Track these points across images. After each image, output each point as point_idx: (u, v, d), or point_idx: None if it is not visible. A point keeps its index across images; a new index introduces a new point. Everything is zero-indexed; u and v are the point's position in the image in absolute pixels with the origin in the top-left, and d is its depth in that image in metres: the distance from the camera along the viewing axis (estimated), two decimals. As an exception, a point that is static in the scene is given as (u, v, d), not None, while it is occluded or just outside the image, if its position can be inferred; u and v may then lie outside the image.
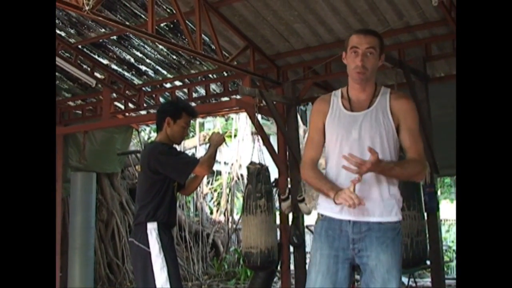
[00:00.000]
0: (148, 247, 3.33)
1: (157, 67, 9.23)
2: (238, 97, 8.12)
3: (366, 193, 2.55)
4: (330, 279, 2.58)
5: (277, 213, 8.27)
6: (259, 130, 7.55)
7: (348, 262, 2.60)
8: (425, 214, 6.43)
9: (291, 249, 8.08)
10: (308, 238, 13.34)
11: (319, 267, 2.60)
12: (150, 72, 9.46)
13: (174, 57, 8.88)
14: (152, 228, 3.37)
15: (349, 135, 2.67)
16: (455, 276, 13.51)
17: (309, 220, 10.02)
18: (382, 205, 2.59)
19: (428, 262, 7.12)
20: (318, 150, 2.83)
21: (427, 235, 6.41)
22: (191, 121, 3.81)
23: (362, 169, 2.41)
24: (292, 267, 8.22)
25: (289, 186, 7.72)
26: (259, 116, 7.80)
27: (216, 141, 3.67)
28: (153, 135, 15.94)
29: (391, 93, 2.77)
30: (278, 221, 8.19)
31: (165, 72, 9.39)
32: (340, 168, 2.55)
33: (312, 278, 2.61)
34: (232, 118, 14.74)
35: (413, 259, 6.20)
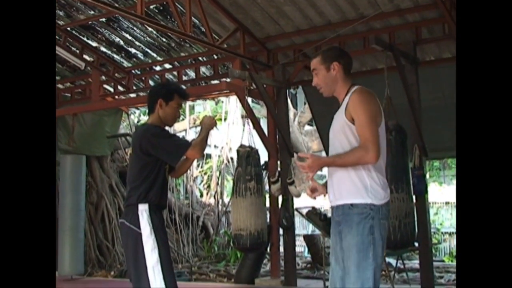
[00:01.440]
0: (139, 228, 3.34)
1: (147, 49, 9.19)
2: (228, 80, 8.10)
3: (335, 182, 2.99)
4: (335, 254, 3.04)
5: (267, 195, 8.31)
6: (249, 113, 7.55)
7: (340, 238, 3.00)
8: (414, 197, 6.49)
9: (281, 231, 8.14)
10: (298, 220, 13.45)
11: (331, 244, 3.11)
12: (140, 55, 9.41)
13: (164, 39, 8.83)
14: (143, 210, 3.37)
15: (329, 135, 3.14)
16: (442, 258, 13.68)
17: (299, 202, 10.08)
18: (349, 190, 2.93)
19: (416, 244, 7.20)
20: None
21: (415, 218, 6.47)
22: (183, 103, 3.74)
23: (305, 169, 2.87)
24: (281, 249, 8.27)
25: (279, 169, 7.76)
26: (249, 99, 7.81)
27: (207, 125, 3.65)
28: (143, 118, 15.90)
29: (353, 91, 3.05)
30: (268, 204, 8.23)
31: (154, 55, 9.34)
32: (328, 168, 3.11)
33: (330, 252, 3.14)
34: (222, 101, 14.74)
35: (401, 241, 6.26)
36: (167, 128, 3.70)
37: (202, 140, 3.53)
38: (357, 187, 2.91)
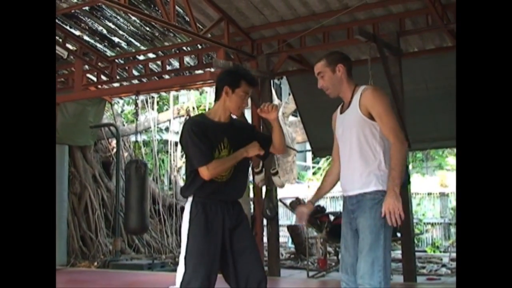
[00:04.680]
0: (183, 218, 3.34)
1: (130, 38, 9.12)
2: (212, 70, 8.07)
3: (349, 173, 3.24)
4: (345, 242, 3.30)
5: (251, 186, 8.32)
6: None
7: (354, 229, 3.23)
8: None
9: (264, 221, 8.16)
10: (281, 211, 13.48)
11: (342, 233, 3.32)
12: (123, 44, 9.34)
13: (148, 28, 8.77)
14: (188, 201, 3.29)
15: (338, 132, 3.36)
16: (425, 249, 13.82)
17: (283, 193, 10.11)
18: (362, 181, 3.18)
19: (398, 235, 7.26)
20: (338, 151, 3.43)
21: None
22: (250, 91, 3.43)
23: (396, 214, 3.00)
24: (265, 239, 8.30)
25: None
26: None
27: (249, 151, 3.32)
28: (127, 107, 15.83)
29: (364, 89, 3.25)
30: (251, 194, 8.25)
31: (138, 44, 9.28)
32: (342, 160, 3.34)
33: (341, 242, 3.35)
34: (207, 92, 14.68)
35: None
36: (234, 116, 3.46)
37: (224, 165, 3.26)
38: (369, 178, 3.15)
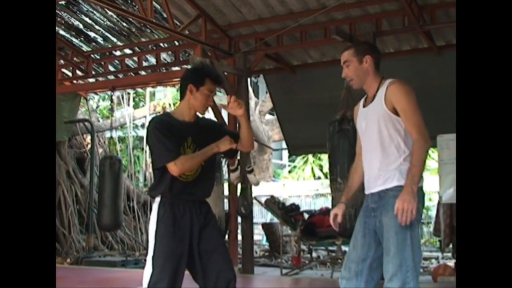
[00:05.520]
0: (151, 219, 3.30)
1: (107, 34, 9.05)
2: (189, 67, 8.05)
3: (372, 170, 3.13)
4: (354, 240, 3.18)
5: (226, 183, 8.32)
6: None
7: (372, 229, 3.12)
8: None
9: (239, 219, 8.17)
10: (256, 209, 13.50)
11: (354, 230, 3.21)
12: (99, 39, 9.26)
13: (124, 24, 8.71)
14: (155, 202, 3.22)
15: (361, 126, 3.25)
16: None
17: (258, 191, 10.12)
18: (384, 177, 3.08)
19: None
20: (360, 144, 3.33)
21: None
22: (215, 89, 3.35)
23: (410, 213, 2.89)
24: (239, 237, 8.31)
25: (238, 157, 7.76)
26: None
27: (220, 146, 3.24)
28: (102, 103, 15.69)
29: (390, 82, 3.16)
30: (226, 192, 8.24)
31: (114, 40, 9.20)
32: (364, 155, 3.24)
33: (351, 239, 3.24)
34: (183, 89, 14.62)
35: (357, 229, 6.36)
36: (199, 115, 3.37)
37: (193, 160, 3.19)
38: (391, 173, 3.05)
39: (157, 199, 3.24)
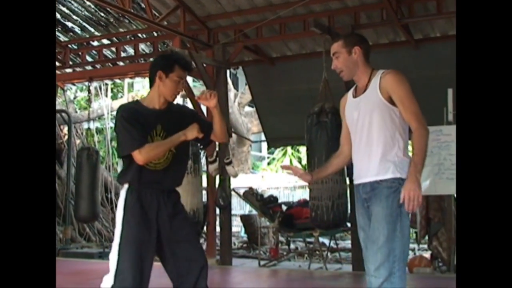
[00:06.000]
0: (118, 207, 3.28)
1: (84, 24, 8.95)
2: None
3: (363, 159, 3.12)
4: (363, 230, 3.17)
5: (204, 175, 8.32)
6: (188, 92, 7.50)
7: (369, 218, 3.14)
8: (347, 179, 6.64)
9: (218, 211, 8.18)
10: (235, 200, 13.52)
11: (359, 224, 3.21)
12: (77, 29, 9.16)
13: (102, 14, 8.63)
14: (122, 190, 3.21)
15: (353, 116, 3.21)
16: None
17: (236, 183, 10.14)
18: (379, 167, 3.05)
19: (348, 224, 7.39)
20: (347, 136, 3.33)
21: (349, 199, 6.63)
22: (185, 76, 3.31)
23: (415, 203, 2.91)
24: (218, 228, 8.32)
25: (217, 149, 7.76)
26: (189, 78, 7.74)
27: (187, 134, 3.18)
28: (80, 94, 15.56)
29: (383, 73, 3.16)
30: (205, 183, 8.24)
31: (92, 30, 9.11)
32: (354, 145, 3.21)
33: (359, 233, 3.22)
34: (162, 80, 14.56)
35: (334, 221, 6.42)
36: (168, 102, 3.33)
37: (158, 148, 3.15)
38: (386, 165, 3.04)
39: (125, 186, 3.21)
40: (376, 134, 3.06)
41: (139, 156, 3.10)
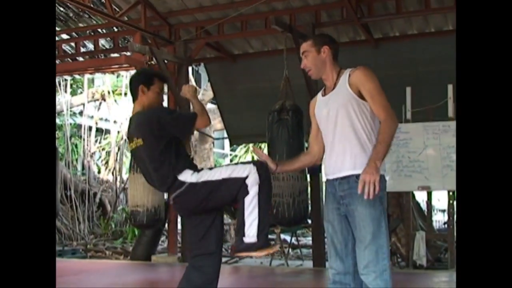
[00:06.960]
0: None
1: (43, 18, 8.79)
2: (128, 54, 7.93)
3: (338, 153, 3.13)
4: (332, 228, 3.20)
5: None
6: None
7: (344, 215, 3.15)
8: (308, 176, 6.70)
9: (179, 208, 8.14)
10: (197, 198, 13.39)
11: (327, 219, 3.23)
12: (35, 23, 8.99)
13: (62, 9, 8.48)
14: (187, 174, 3.36)
15: (321, 113, 3.27)
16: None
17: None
18: (353, 161, 3.07)
19: (309, 221, 7.47)
20: (316, 137, 3.40)
21: (309, 195, 6.69)
22: (164, 86, 3.71)
23: (372, 184, 2.89)
24: (179, 226, 8.29)
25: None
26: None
27: (191, 92, 3.65)
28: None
29: (352, 70, 3.21)
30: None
31: (51, 24, 8.95)
32: (327, 142, 3.25)
33: (326, 228, 3.25)
34: (123, 75, 14.40)
35: (294, 218, 6.46)
36: None
37: (203, 108, 3.58)
38: (361, 159, 3.05)
39: (188, 171, 3.38)
40: (348, 129, 3.10)
41: (203, 120, 3.53)
